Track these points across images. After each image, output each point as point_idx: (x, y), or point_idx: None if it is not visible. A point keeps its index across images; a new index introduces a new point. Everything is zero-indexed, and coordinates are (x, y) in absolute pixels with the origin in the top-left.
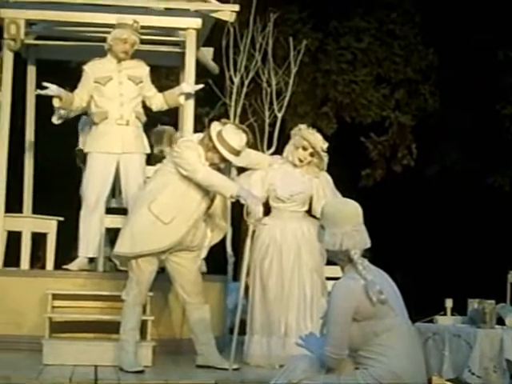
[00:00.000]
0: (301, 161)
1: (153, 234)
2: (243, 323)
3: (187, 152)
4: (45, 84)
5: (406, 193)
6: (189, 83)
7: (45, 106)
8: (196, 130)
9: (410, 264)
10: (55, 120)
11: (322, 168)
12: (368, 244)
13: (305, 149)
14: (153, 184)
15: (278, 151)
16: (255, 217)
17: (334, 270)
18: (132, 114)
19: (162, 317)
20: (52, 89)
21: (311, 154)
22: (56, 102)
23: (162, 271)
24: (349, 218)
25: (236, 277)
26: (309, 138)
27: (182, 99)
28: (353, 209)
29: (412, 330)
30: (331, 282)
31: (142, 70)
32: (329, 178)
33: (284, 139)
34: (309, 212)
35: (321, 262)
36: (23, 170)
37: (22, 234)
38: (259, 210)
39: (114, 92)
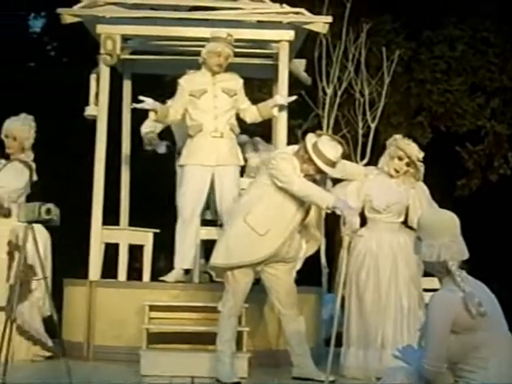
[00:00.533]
0: (397, 171)
1: (248, 246)
2: (339, 335)
3: (283, 163)
4: (141, 98)
5: (503, 202)
6: (282, 95)
7: (141, 119)
8: (289, 142)
9: (508, 274)
10: (146, 147)
11: (419, 178)
12: (466, 255)
13: (400, 159)
14: (248, 196)
15: (372, 162)
16: (352, 228)
17: (431, 282)
18: (226, 126)
19: (258, 328)
20: (148, 102)
21: (407, 164)
22: (151, 116)
23: (257, 282)
24: (446, 229)
25: (330, 288)
26: (404, 148)
27: (275, 111)
28: (450, 219)
29: None
30: (428, 294)
31: (236, 82)
32: (425, 188)
33: (378, 150)
34: (405, 223)
35: (417, 273)
36: (120, 182)
37: (119, 246)
38: (356, 221)
39: (208, 105)
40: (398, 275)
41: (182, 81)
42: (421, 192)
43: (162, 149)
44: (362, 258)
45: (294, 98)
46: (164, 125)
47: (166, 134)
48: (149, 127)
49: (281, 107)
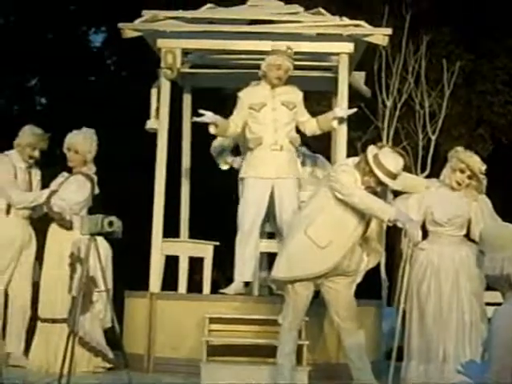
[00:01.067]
0: (458, 184)
1: (309, 259)
2: (400, 349)
3: (343, 176)
4: (201, 111)
5: None
6: (342, 108)
7: (201, 132)
8: (349, 155)
9: None
10: (222, 166)
11: (481, 191)
12: None
13: (462, 171)
14: (309, 208)
15: (433, 174)
16: (413, 240)
17: (494, 296)
18: (286, 139)
19: (318, 341)
20: (208, 116)
21: (469, 177)
22: (212, 129)
23: (317, 296)
24: (509, 242)
25: (390, 301)
26: (467, 161)
27: (335, 124)
28: None
29: None
30: (491, 308)
31: (296, 95)
32: (487, 200)
33: (438, 162)
34: (467, 236)
35: (480, 287)
36: (180, 195)
37: (180, 259)
38: (418, 233)
39: (268, 118)
40: (460, 289)
41: (241, 94)
42: (483, 205)
43: (237, 163)
44: (423, 271)
45: (353, 110)
46: (227, 138)
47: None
48: (217, 147)
49: (340, 120)
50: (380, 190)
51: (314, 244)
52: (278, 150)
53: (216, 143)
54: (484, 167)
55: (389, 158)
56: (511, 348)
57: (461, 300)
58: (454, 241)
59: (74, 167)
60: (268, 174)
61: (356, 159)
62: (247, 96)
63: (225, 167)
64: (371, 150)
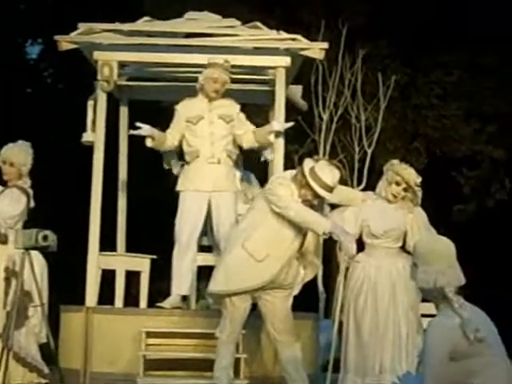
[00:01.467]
0: (394, 196)
1: (247, 272)
2: (337, 361)
3: (280, 189)
4: (137, 124)
5: (500, 228)
6: (279, 121)
7: (137, 145)
8: (286, 167)
9: (507, 300)
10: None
11: (416, 203)
12: (462, 281)
13: (398, 184)
14: (246, 222)
15: (369, 187)
16: (348, 254)
17: (430, 307)
18: (223, 152)
19: (255, 355)
20: (145, 129)
21: (405, 190)
22: (149, 142)
23: (254, 309)
24: (442, 256)
25: (327, 314)
26: (402, 173)
27: (272, 137)
28: (446, 246)
29: (511, 368)
30: (427, 320)
31: (233, 108)
32: (423, 213)
33: (374, 175)
34: (403, 248)
35: (416, 299)
36: (117, 208)
37: (116, 272)
38: (352, 246)
39: (205, 131)
40: (397, 301)
41: (178, 107)
42: (419, 217)
43: (176, 169)
44: (360, 283)
45: (290, 124)
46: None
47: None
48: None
49: (277, 133)
50: (317, 203)
51: (251, 257)
52: (216, 163)
53: None
54: (419, 179)
55: (325, 171)
56: (444, 361)
57: (397, 313)
58: (390, 253)
59: (9, 180)
60: (205, 187)
61: (293, 172)
62: (184, 109)
63: (166, 166)
64: (307, 162)
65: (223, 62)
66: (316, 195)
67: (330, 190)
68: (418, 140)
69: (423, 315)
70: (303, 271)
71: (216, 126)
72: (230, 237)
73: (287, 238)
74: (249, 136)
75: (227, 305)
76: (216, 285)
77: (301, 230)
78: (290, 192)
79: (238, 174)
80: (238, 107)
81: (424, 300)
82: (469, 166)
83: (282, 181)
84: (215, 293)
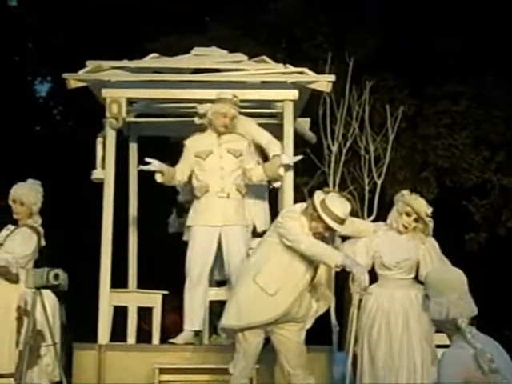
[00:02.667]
0: (405, 227)
1: (259, 306)
2: None
3: (290, 222)
4: (147, 160)
5: None
6: (288, 155)
7: (147, 181)
8: (296, 200)
9: None
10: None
11: (428, 233)
12: (475, 312)
13: (409, 215)
14: (257, 255)
15: (379, 218)
16: (361, 286)
17: (444, 338)
18: (233, 186)
19: None
20: (154, 164)
21: (415, 220)
22: (158, 177)
23: (267, 343)
24: (454, 287)
25: (341, 346)
26: (412, 204)
27: (281, 171)
28: (457, 277)
29: None
30: (441, 350)
31: (242, 142)
32: (435, 243)
33: (384, 206)
34: (416, 278)
35: (430, 329)
36: (127, 245)
37: (128, 309)
38: (365, 278)
39: (214, 165)
40: (411, 332)
41: (187, 142)
42: (431, 247)
43: (172, 228)
44: (373, 315)
45: (299, 157)
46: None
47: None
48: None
49: (287, 167)
50: (328, 235)
51: (262, 291)
52: (225, 197)
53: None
54: (430, 210)
55: (336, 203)
56: None
57: (411, 344)
58: (403, 284)
59: (19, 219)
60: (215, 221)
61: (303, 205)
62: (193, 144)
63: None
64: (318, 195)
65: (232, 97)
66: (327, 228)
67: (342, 222)
68: (428, 170)
69: (437, 346)
70: (316, 304)
71: (225, 161)
72: (242, 271)
73: (299, 271)
74: (258, 170)
75: (240, 339)
76: (228, 320)
77: (312, 263)
78: (301, 225)
79: None
80: (246, 141)
81: (438, 330)
82: (479, 194)
83: (292, 214)
84: (227, 328)
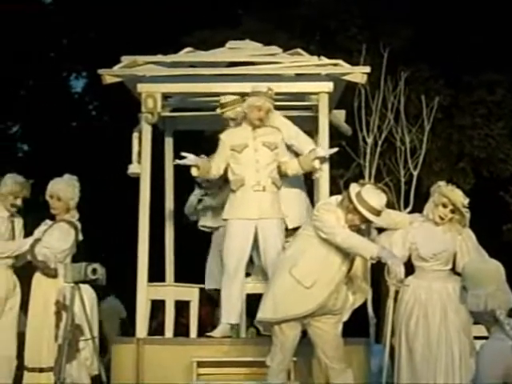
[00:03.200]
0: (442, 218)
1: (295, 299)
2: None
3: (326, 215)
4: (183, 154)
5: None
6: (323, 147)
7: (183, 175)
8: (331, 193)
9: None
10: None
11: (465, 224)
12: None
13: (445, 206)
14: (293, 248)
15: (415, 209)
16: (397, 277)
17: (482, 329)
18: (268, 179)
19: (307, 382)
20: (190, 158)
21: (452, 211)
22: (194, 171)
23: (304, 336)
24: (491, 278)
25: (378, 339)
26: (448, 195)
27: (317, 163)
28: (495, 268)
29: None
30: (479, 342)
31: (277, 135)
32: (471, 234)
33: (421, 197)
34: (453, 270)
35: (468, 321)
36: (164, 239)
37: (166, 303)
38: (401, 270)
39: (249, 159)
40: (448, 324)
41: (222, 136)
42: (467, 238)
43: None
44: (410, 307)
45: (335, 150)
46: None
47: None
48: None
49: (322, 159)
50: (364, 227)
51: (299, 284)
52: (261, 190)
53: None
54: (466, 201)
55: (372, 195)
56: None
57: (449, 335)
58: (440, 276)
59: (57, 214)
60: (251, 214)
61: (339, 198)
62: (228, 138)
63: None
64: (353, 187)
65: (267, 90)
66: (364, 219)
67: (378, 213)
68: (464, 160)
69: (476, 337)
70: (352, 297)
71: (261, 154)
72: (277, 264)
73: (335, 263)
74: (294, 163)
75: (277, 332)
76: (264, 313)
77: (348, 255)
78: (336, 218)
79: None
80: (281, 134)
81: (476, 322)
82: None
83: (327, 207)
84: (264, 321)
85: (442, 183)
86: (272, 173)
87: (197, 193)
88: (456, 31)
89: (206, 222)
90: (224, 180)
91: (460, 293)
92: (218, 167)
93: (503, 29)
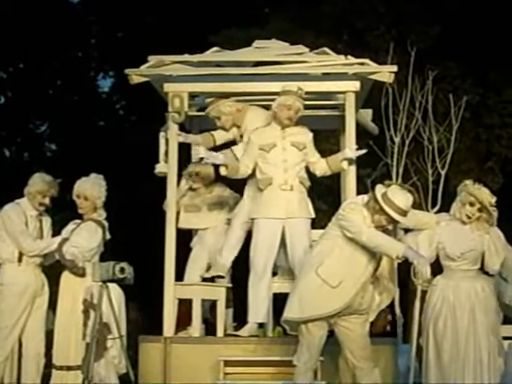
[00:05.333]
0: (469, 217)
1: (321, 299)
2: None
3: (352, 214)
4: (211, 153)
5: None
6: (351, 148)
7: None
8: (358, 192)
9: None
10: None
11: (492, 223)
12: None
13: (472, 205)
14: (319, 248)
15: (443, 209)
16: (423, 277)
17: (511, 330)
18: (296, 179)
19: (334, 382)
20: (219, 158)
21: (479, 210)
22: (223, 170)
23: (331, 335)
24: None
25: (406, 339)
26: (475, 194)
27: (345, 164)
28: None
29: None
30: (507, 342)
31: (306, 136)
32: (500, 233)
33: (449, 197)
34: (482, 269)
35: (496, 321)
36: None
37: (193, 302)
38: (427, 270)
39: (278, 158)
40: (477, 324)
41: (251, 135)
42: (495, 237)
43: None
44: (439, 307)
45: (363, 151)
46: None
47: None
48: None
49: (350, 160)
50: (390, 228)
51: (325, 283)
52: (289, 190)
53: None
54: (494, 199)
55: (398, 195)
56: None
57: (478, 335)
58: (468, 275)
59: (84, 214)
60: (279, 214)
61: (365, 197)
62: (257, 137)
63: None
64: (379, 188)
65: (297, 90)
66: (390, 220)
67: (405, 213)
68: (493, 160)
69: (504, 338)
70: (379, 297)
71: (289, 154)
72: (304, 263)
73: (361, 263)
74: (322, 164)
75: (303, 332)
76: (291, 312)
77: (374, 255)
78: (362, 217)
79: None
80: (310, 135)
81: (505, 322)
82: None
83: (354, 206)
84: (290, 320)
85: (468, 182)
86: (300, 172)
87: (182, 184)
88: (483, 30)
89: (187, 223)
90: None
91: (496, 282)
92: (247, 166)
93: None
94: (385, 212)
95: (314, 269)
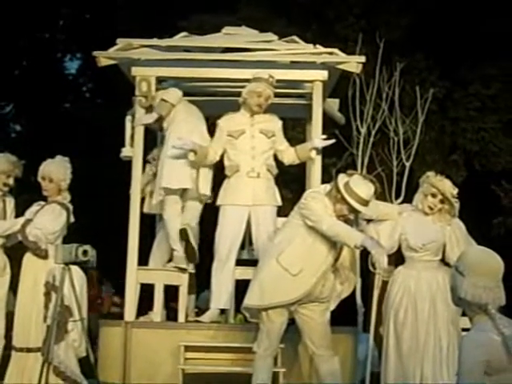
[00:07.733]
0: (431, 208)
1: (282, 286)
2: (376, 375)
3: (313, 203)
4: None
5: None
6: (320, 138)
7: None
8: (323, 181)
9: None
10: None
11: (454, 214)
12: (503, 301)
13: (434, 196)
14: (281, 236)
15: (407, 200)
16: (380, 267)
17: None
18: (263, 166)
19: (293, 369)
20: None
21: (441, 201)
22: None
23: (292, 323)
24: (493, 272)
25: (366, 328)
26: (437, 185)
27: (313, 154)
28: (498, 263)
29: None
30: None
31: (275, 123)
32: (461, 224)
33: (412, 188)
34: (443, 260)
35: (456, 312)
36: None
37: (155, 287)
38: (383, 259)
39: (246, 145)
40: (437, 315)
41: (220, 121)
42: (457, 228)
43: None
44: (400, 297)
45: (331, 141)
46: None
47: None
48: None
49: (318, 150)
50: (352, 218)
51: (285, 271)
52: (255, 177)
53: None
54: (455, 191)
55: (360, 185)
56: (480, 376)
57: (438, 326)
58: (430, 266)
59: (48, 196)
60: (245, 201)
61: (327, 187)
62: (226, 123)
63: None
64: (341, 178)
65: (268, 77)
66: (351, 209)
67: (366, 203)
68: (457, 153)
69: (463, 329)
70: (340, 287)
71: (257, 141)
72: (266, 251)
73: (321, 251)
74: (290, 152)
75: (264, 319)
76: (251, 299)
77: (335, 244)
78: (324, 206)
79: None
80: (279, 122)
81: (464, 314)
82: (508, 178)
83: (315, 195)
84: (251, 307)
85: (430, 173)
86: (268, 160)
87: (147, 170)
88: (453, 23)
89: (151, 208)
90: None
91: (452, 277)
92: (215, 152)
93: (500, 22)
94: (346, 201)
95: (275, 257)
